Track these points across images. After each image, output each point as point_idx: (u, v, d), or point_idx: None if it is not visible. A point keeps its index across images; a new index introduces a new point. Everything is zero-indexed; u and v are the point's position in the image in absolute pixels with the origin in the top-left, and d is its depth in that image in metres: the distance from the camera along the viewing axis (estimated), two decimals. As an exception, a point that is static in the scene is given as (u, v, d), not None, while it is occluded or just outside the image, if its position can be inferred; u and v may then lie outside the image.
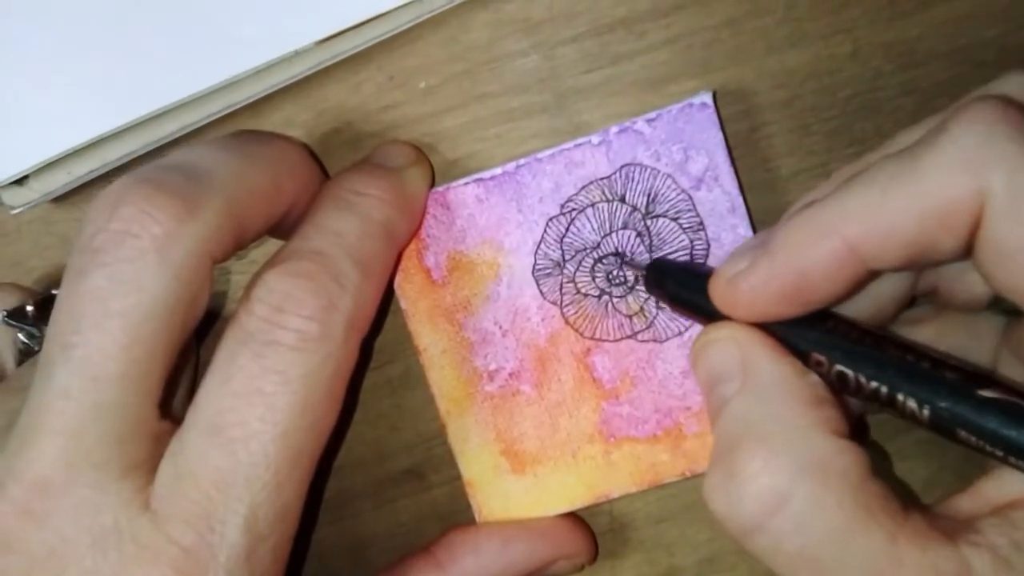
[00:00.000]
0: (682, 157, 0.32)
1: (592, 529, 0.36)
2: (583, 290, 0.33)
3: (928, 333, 0.31)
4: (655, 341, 0.33)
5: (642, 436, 0.33)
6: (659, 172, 0.33)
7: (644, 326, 0.33)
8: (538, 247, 0.33)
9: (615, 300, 0.33)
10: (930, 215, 0.24)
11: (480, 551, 0.33)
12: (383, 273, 0.31)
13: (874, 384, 0.26)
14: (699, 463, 0.33)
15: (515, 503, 0.34)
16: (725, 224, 0.33)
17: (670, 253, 0.33)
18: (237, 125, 0.34)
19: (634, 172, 0.33)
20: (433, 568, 0.34)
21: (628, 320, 0.33)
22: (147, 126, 0.33)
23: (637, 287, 0.33)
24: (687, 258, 0.33)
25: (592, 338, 0.34)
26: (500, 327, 0.34)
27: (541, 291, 0.34)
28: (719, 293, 0.28)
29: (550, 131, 0.34)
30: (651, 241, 0.33)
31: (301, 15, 0.32)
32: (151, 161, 0.32)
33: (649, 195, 0.33)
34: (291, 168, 0.32)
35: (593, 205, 0.33)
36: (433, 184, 0.34)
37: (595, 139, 0.33)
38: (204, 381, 0.28)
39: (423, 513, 0.37)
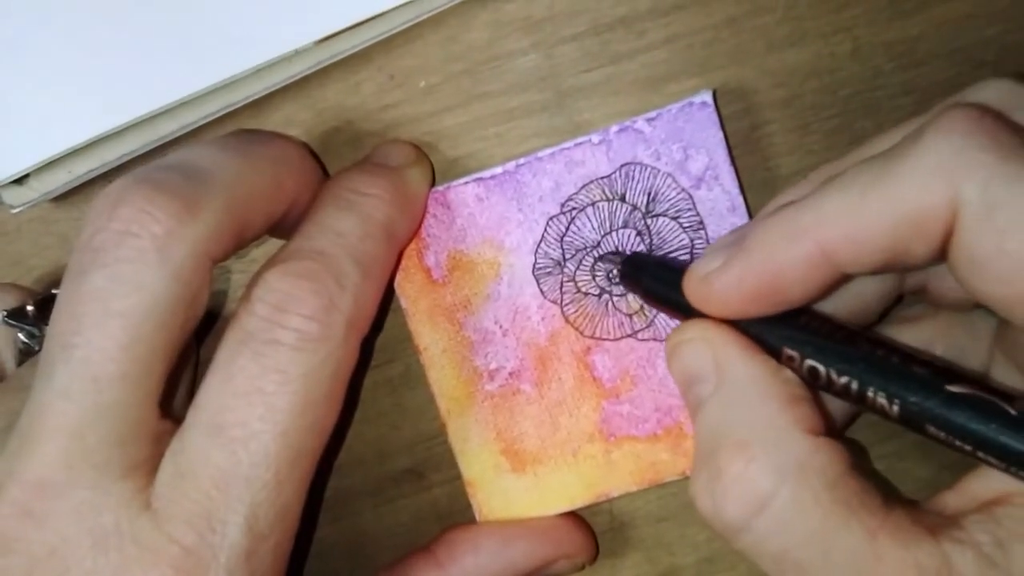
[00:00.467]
0: (682, 156, 0.32)
1: (592, 528, 0.36)
2: (583, 289, 0.33)
3: (925, 332, 0.31)
4: (655, 340, 0.33)
5: (642, 435, 0.34)
6: (659, 171, 0.33)
7: (644, 325, 0.33)
8: (538, 246, 0.33)
9: (615, 299, 0.33)
10: (904, 222, 0.24)
11: (480, 550, 0.33)
12: (384, 273, 0.31)
13: (844, 379, 0.26)
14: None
15: (515, 502, 0.34)
16: (725, 223, 0.33)
17: (670, 252, 0.33)
18: (237, 124, 0.34)
19: (634, 171, 0.33)
20: (433, 567, 0.34)
21: (628, 319, 0.33)
22: (147, 125, 0.33)
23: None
24: (688, 258, 0.33)
25: (592, 337, 0.34)
26: (500, 326, 0.34)
27: (541, 290, 0.34)
28: (693, 290, 0.28)
29: (550, 130, 0.34)
30: (651, 240, 0.33)
31: (300, 15, 0.32)
32: (151, 161, 0.32)
33: (649, 194, 0.33)
34: (291, 167, 0.32)
35: (593, 204, 0.33)
36: (433, 183, 0.34)
37: (595, 138, 0.33)
38: (205, 381, 0.28)
39: (423, 512, 0.37)
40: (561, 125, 0.34)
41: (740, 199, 0.32)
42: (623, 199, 0.33)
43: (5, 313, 0.34)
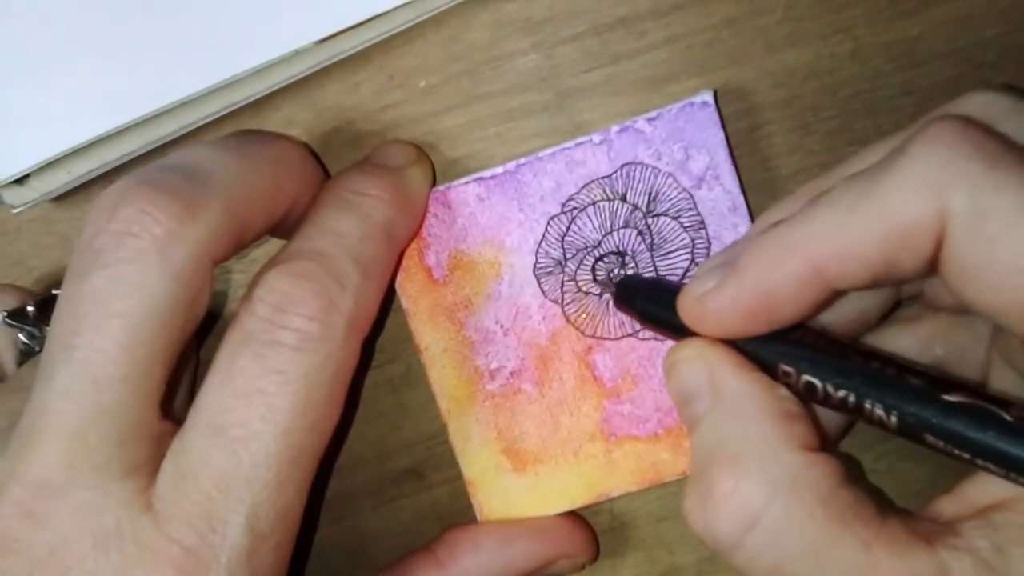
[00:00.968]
0: (683, 156, 0.32)
1: (593, 528, 0.36)
2: (584, 288, 0.33)
3: (924, 332, 0.31)
4: (656, 339, 0.33)
5: (643, 435, 0.34)
6: (660, 171, 0.33)
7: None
8: (539, 246, 0.33)
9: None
10: (893, 236, 0.24)
11: (481, 550, 0.34)
12: (384, 273, 0.31)
13: (841, 393, 0.27)
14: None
15: (516, 502, 0.34)
16: (726, 223, 0.33)
17: (671, 252, 0.33)
18: (237, 125, 0.34)
19: (635, 171, 0.33)
20: (434, 567, 0.34)
21: (629, 319, 0.33)
22: (147, 125, 0.33)
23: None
24: (688, 257, 0.33)
25: (593, 336, 0.34)
26: (501, 326, 0.34)
27: (542, 290, 0.34)
28: (687, 311, 0.29)
29: (551, 130, 0.34)
30: (652, 240, 0.33)
31: (301, 15, 0.32)
32: (151, 161, 0.32)
33: (650, 194, 0.33)
34: (291, 168, 0.32)
35: (594, 204, 0.33)
36: (434, 183, 0.34)
37: (596, 138, 0.33)
38: (205, 381, 0.28)
39: (424, 512, 0.37)
40: (561, 125, 0.34)
41: (741, 199, 0.32)
42: (624, 199, 0.33)
43: (6, 314, 0.34)
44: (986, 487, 0.26)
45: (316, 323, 0.28)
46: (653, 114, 0.32)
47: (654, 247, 0.33)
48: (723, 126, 0.32)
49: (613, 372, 0.33)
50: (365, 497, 0.37)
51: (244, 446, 0.27)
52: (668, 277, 0.33)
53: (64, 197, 0.35)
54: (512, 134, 0.34)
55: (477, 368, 0.34)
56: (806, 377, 0.27)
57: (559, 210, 0.33)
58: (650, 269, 0.33)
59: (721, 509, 0.26)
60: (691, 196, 0.33)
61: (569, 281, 0.33)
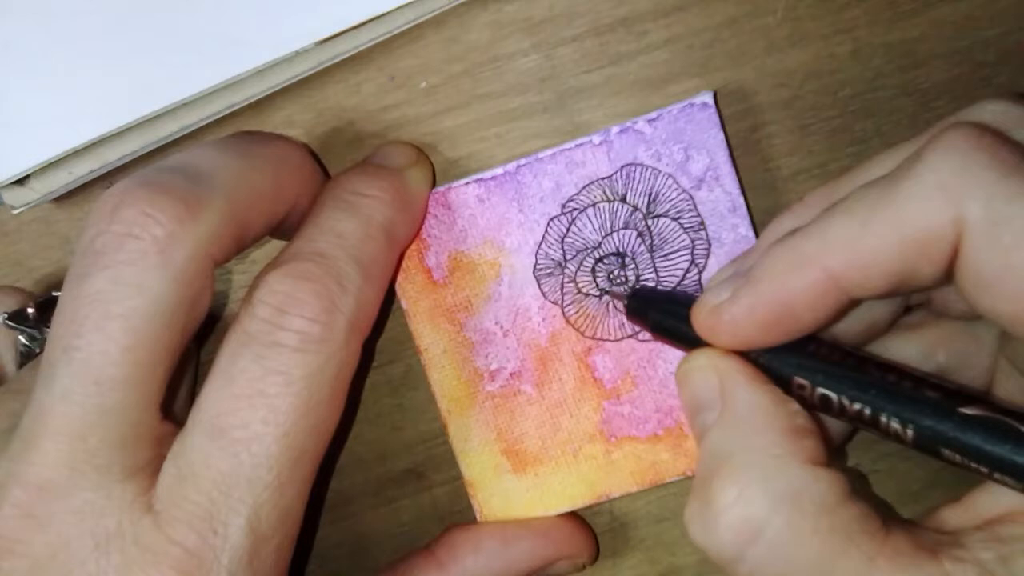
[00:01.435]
0: (683, 157, 0.32)
1: (593, 528, 0.36)
2: (584, 290, 0.33)
3: (927, 339, 0.31)
4: (656, 341, 0.33)
5: (643, 435, 0.34)
6: (660, 172, 0.33)
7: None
8: (539, 247, 0.33)
9: (616, 300, 0.33)
10: (909, 244, 0.24)
11: (481, 550, 0.34)
12: (385, 274, 0.31)
13: (857, 406, 0.27)
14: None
15: (516, 503, 0.34)
16: (726, 224, 0.33)
17: (671, 253, 0.33)
18: (238, 125, 0.34)
19: (635, 172, 0.33)
20: (434, 567, 0.34)
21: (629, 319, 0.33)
22: (148, 126, 0.33)
23: (630, 290, 0.33)
24: (688, 258, 0.33)
25: (593, 338, 0.34)
26: (501, 327, 0.34)
27: (542, 291, 0.34)
28: (701, 322, 0.28)
29: (551, 131, 0.34)
30: (652, 241, 0.33)
31: (302, 15, 0.32)
32: (152, 162, 0.32)
33: (650, 195, 0.33)
34: (292, 169, 0.32)
35: (594, 205, 0.33)
36: (434, 184, 0.34)
37: (596, 139, 0.33)
38: (206, 383, 0.28)
39: (424, 513, 0.37)
40: (562, 126, 0.34)
41: (741, 200, 0.32)
42: (624, 200, 0.33)
43: (6, 316, 0.34)
44: (993, 499, 0.26)
45: (317, 324, 0.28)
46: (653, 115, 0.32)
47: (654, 248, 0.33)
48: (723, 127, 0.32)
49: (613, 373, 0.33)
50: (365, 498, 0.37)
51: (245, 448, 0.27)
52: (668, 278, 0.33)
53: (65, 198, 0.35)
54: (512, 135, 0.34)
55: (477, 369, 0.34)
56: (821, 390, 0.27)
57: (559, 211, 0.33)
58: (650, 270, 0.33)
59: (721, 521, 0.26)
60: (691, 197, 0.33)
61: (569, 282, 0.33)
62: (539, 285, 0.34)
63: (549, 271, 0.33)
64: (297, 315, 0.28)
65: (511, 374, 0.34)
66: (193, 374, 0.34)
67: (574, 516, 0.35)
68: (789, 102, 0.33)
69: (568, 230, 0.33)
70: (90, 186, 0.35)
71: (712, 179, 0.32)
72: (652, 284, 0.33)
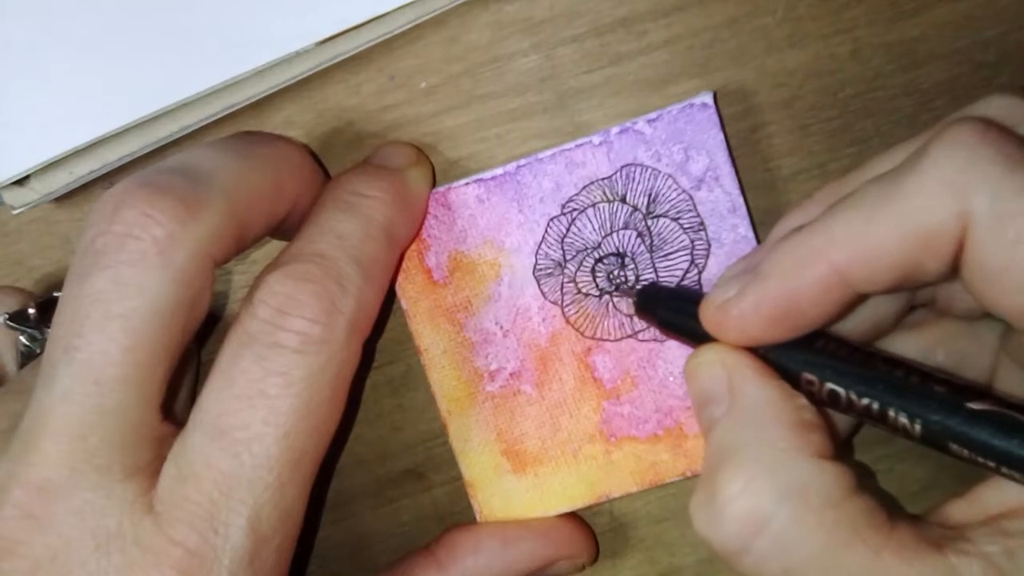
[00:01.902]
0: (683, 157, 0.32)
1: (593, 529, 0.36)
2: (584, 290, 0.33)
3: (928, 338, 0.31)
4: (656, 341, 0.33)
5: (643, 436, 0.34)
6: (660, 172, 0.33)
7: (645, 326, 0.33)
8: (539, 247, 0.33)
9: (616, 300, 0.33)
10: (914, 239, 0.24)
11: (481, 551, 0.34)
12: (385, 274, 0.31)
13: (865, 401, 0.27)
14: (700, 463, 0.33)
15: (516, 503, 0.34)
16: (726, 224, 0.33)
17: (671, 253, 0.33)
18: (238, 126, 0.34)
19: (635, 172, 0.33)
20: (434, 567, 0.34)
21: (629, 319, 0.33)
22: (148, 126, 0.33)
23: (638, 287, 0.33)
24: (688, 258, 0.33)
25: (593, 338, 0.34)
26: (501, 327, 0.34)
27: (542, 291, 0.34)
28: (709, 318, 0.29)
29: (551, 131, 0.34)
30: (652, 241, 0.33)
31: (302, 15, 0.32)
32: (152, 162, 0.32)
33: (650, 195, 0.33)
34: (292, 169, 0.32)
35: (594, 205, 0.33)
36: (434, 184, 0.34)
37: (596, 139, 0.33)
38: (207, 383, 0.28)
39: (424, 513, 0.37)
40: (562, 126, 0.34)
41: (741, 200, 0.32)
42: (624, 200, 0.33)
43: (7, 316, 0.34)
44: (999, 494, 0.26)
45: (318, 325, 0.28)
46: (653, 115, 0.32)
47: (654, 248, 0.33)
48: (723, 127, 0.32)
49: (613, 373, 0.33)
50: (365, 498, 0.37)
51: (246, 448, 0.27)
52: (668, 279, 0.33)
53: (65, 198, 0.35)
54: (512, 135, 0.34)
55: (477, 369, 0.34)
56: (830, 385, 0.27)
57: (559, 211, 0.33)
58: (650, 270, 0.33)
59: (726, 512, 0.26)
60: (691, 197, 0.33)
61: (569, 282, 0.33)
62: (539, 285, 0.34)
63: (549, 271, 0.33)
64: (298, 316, 0.28)
65: (511, 374, 0.34)
66: (194, 374, 0.34)
67: (574, 516, 0.35)
68: (789, 102, 0.33)
69: (568, 230, 0.33)
70: (90, 186, 0.35)
71: (712, 179, 0.32)
72: (653, 283, 0.33)
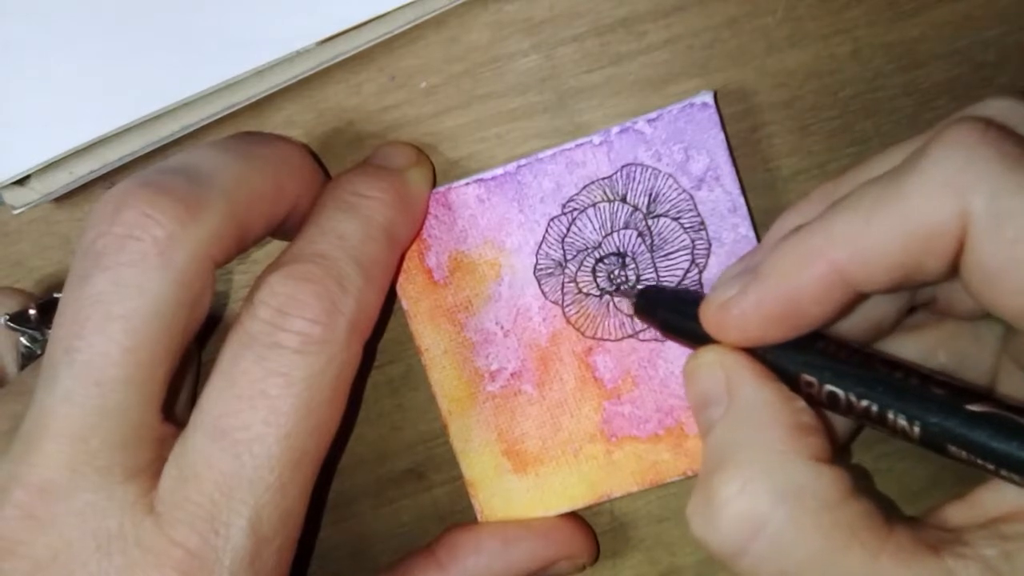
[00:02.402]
0: (683, 157, 0.32)
1: (593, 529, 0.36)
2: (584, 290, 0.33)
3: (928, 340, 0.31)
4: (656, 340, 0.33)
5: (644, 435, 0.34)
6: (660, 172, 0.33)
7: (645, 325, 0.33)
8: (539, 247, 0.33)
9: (616, 299, 0.33)
10: (914, 238, 0.25)
11: (482, 551, 0.34)
12: (385, 275, 0.31)
13: (864, 403, 0.27)
14: (701, 462, 0.33)
15: (517, 503, 0.34)
16: (726, 224, 0.33)
17: (671, 253, 0.33)
18: (238, 125, 0.34)
19: (635, 172, 0.33)
20: (434, 568, 0.34)
21: (629, 319, 0.33)
22: (148, 126, 0.33)
23: (639, 287, 0.33)
24: (688, 258, 0.33)
25: (594, 338, 0.34)
26: (502, 327, 0.34)
27: (543, 291, 0.34)
28: (710, 319, 0.29)
29: (551, 131, 0.34)
30: (652, 241, 0.33)
31: (302, 15, 0.32)
32: (152, 162, 0.32)
33: (650, 195, 0.33)
34: (292, 169, 0.32)
35: (594, 205, 0.33)
36: (434, 184, 0.34)
37: (596, 139, 0.33)
38: (207, 384, 0.28)
39: (424, 513, 0.37)
40: (562, 126, 0.34)
41: (741, 200, 0.32)
42: (624, 200, 0.33)
43: (7, 317, 0.34)
44: (998, 497, 0.26)
45: (318, 326, 0.28)
46: (653, 115, 0.32)
47: (654, 248, 0.33)
48: (723, 127, 0.32)
49: (613, 373, 0.33)
50: (366, 498, 0.37)
51: (247, 449, 0.27)
52: (668, 278, 0.33)
53: (65, 198, 0.35)
54: (512, 135, 0.34)
55: (477, 369, 0.34)
56: (829, 387, 0.27)
57: (559, 211, 0.33)
58: (650, 270, 0.33)
59: (723, 514, 0.26)
60: (691, 197, 0.33)
61: (569, 282, 0.33)
62: (540, 285, 0.34)
63: (550, 271, 0.33)
64: (298, 316, 0.28)
65: (512, 374, 0.34)
66: (195, 375, 0.34)
67: (575, 516, 0.35)
68: (789, 102, 0.33)
69: (568, 230, 0.33)
70: (90, 186, 0.35)
71: (712, 179, 0.32)
72: (653, 284, 0.33)
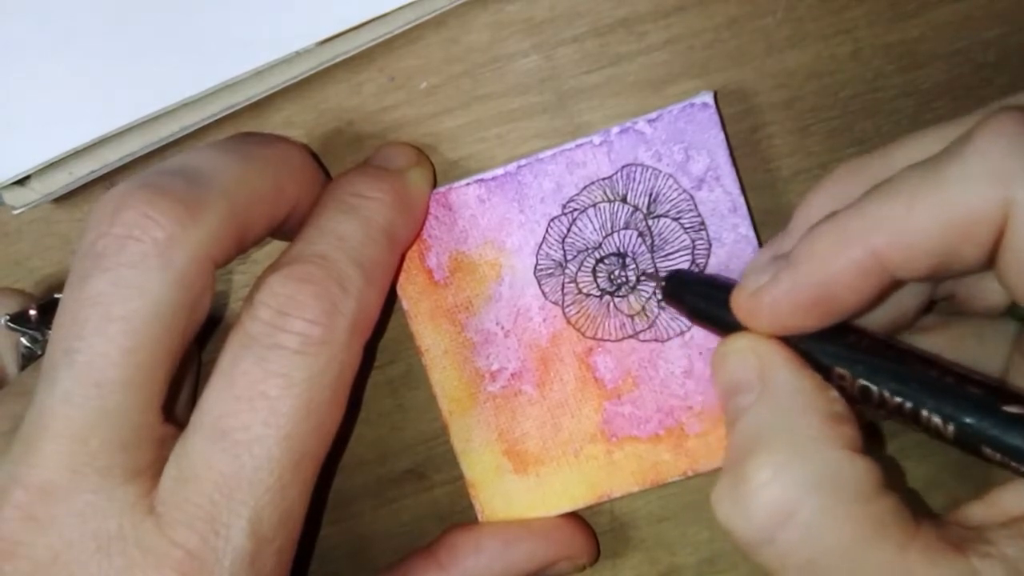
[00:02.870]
0: (683, 157, 0.32)
1: (593, 529, 0.36)
2: (585, 290, 0.33)
3: (939, 341, 0.31)
4: (657, 341, 0.33)
5: (644, 436, 0.34)
6: (660, 172, 0.33)
7: (646, 326, 0.33)
8: (540, 247, 0.33)
9: (617, 300, 0.33)
10: (955, 226, 0.24)
11: (482, 551, 0.34)
12: (386, 276, 0.31)
13: (898, 399, 0.26)
14: (701, 463, 0.33)
15: (517, 503, 0.34)
16: (726, 224, 0.33)
17: (671, 253, 0.33)
18: (238, 126, 0.34)
19: (635, 172, 0.33)
20: (435, 568, 0.34)
21: (630, 320, 0.33)
22: (148, 127, 0.33)
23: (639, 287, 0.33)
24: (688, 258, 0.33)
25: (594, 338, 0.34)
26: (502, 327, 0.34)
27: (543, 291, 0.34)
28: (742, 306, 0.28)
29: (551, 131, 0.34)
30: (652, 241, 0.33)
31: (302, 16, 0.32)
32: (152, 163, 0.32)
33: (650, 195, 0.33)
34: (292, 170, 0.31)
35: (595, 205, 0.33)
36: (435, 185, 0.34)
37: (596, 139, 0.33)
38: (208, 385, 0.28)
39: (424, 513, 0.37)
40: (562, 126, 0.34)
41: (741, 200, 0.32)
42: (624, 200, 0.33)
43: (7, 318, 0.34)
44: (1019, 496, 0.26)
45: (318, 327, 0.28)
46: (653, 115, 0.32)
47: (655, 248, 0.33)
48: (723, 127, 0.32)
49: (614, 373, 0.33)
50: (366, 498, 0.37)
51: (247, 450, 0.27)
52: (669, 278, 0.33)
53: (65, 198, 0.35)
54: (512, 135, 0.34)
55: (478, 369, 0.34)
56: (862, 381, 0.27)
57: (560, 211, 0.33)
58: (651, 270, 0.33)
59: (754, 500, 0.25)
60: (691, 197, 0.33)
61: (570, 283, 0.33)
62: (540, 285, 0.34)
63: (550, 271, 0.33)
64: (298, 317, 0.28)
65: (512, 374, 0.34)
66: (195, 376, 0.34)
67: (575, 517, 0.35)
68: (789, 103, 0.33)
69: (569, 230, 0.33)
70: (90, 186, 0.35)
71: (712, 179, 0.32)
72: (682, 268, 0.33)
